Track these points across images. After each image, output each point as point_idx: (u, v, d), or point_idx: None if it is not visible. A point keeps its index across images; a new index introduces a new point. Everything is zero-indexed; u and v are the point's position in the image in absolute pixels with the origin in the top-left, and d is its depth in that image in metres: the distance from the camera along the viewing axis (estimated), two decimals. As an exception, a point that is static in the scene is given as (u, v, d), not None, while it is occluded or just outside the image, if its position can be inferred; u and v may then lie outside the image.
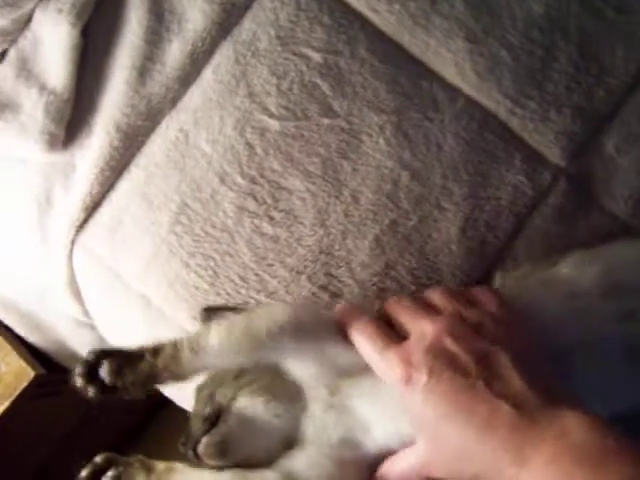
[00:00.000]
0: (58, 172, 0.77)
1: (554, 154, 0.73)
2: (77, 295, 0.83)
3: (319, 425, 0.62)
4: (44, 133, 0.74)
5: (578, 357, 0.61)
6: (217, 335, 0.60)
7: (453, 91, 0.72)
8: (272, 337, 0.60)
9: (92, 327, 0.89)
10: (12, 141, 0.76)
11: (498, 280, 0.68)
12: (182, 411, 0.84)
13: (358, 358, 0.60)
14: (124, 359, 0.61)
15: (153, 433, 1.20)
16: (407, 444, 0.59)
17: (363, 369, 0.60)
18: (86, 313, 0.86)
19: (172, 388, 0.84)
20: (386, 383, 0.58)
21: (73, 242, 0.77)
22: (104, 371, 0.60)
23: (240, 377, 0.65)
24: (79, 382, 0.60)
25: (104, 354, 0.61)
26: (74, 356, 1.05)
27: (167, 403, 0.91)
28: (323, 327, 0.62)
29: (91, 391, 0.60)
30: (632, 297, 0.63)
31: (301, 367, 0.62)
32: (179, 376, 0.61)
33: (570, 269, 0.65)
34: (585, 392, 0.60)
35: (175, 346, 0.60)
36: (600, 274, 0.64)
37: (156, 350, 0.61)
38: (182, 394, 0.84)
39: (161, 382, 0.62)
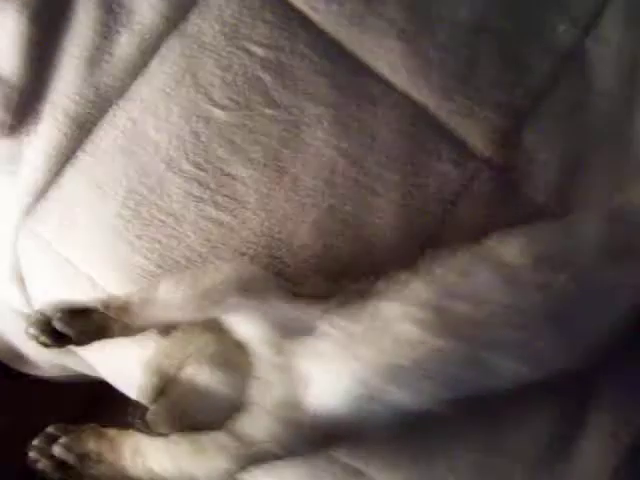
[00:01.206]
0: (5, 158, 0.82)
1: (479, 146, 0.83)
2: (20, 283, 0.89)
3: (264, 386, 0.70)
4: (-9, 119, 0.80)
5: (506, 322, 0.71)
6: (166, 288, 0.69)
7: (387, 86, 0.82)
8: (218, 291, 0.69)
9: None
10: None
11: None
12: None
13: (302, 316, 0.69)
14: (77, 311, 0.68)
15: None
16: (345, 401, 0.68)
17: (306, 329, 0.69)
18: (28, 301, 0.91)
19: (114, 372, 0.91)
20: (327, 342, 0.67)
21: (19, 227, 0.83)
22: (58, 321, 0.68)
23: (186, 348, 0.73)
24: (33, 330, 0.68)
25: (59, 306, 0.68)
26: (12, 351, 1.10)
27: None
28: (268, 286, 0.70)
29: (44, 340, 0.68)
30: (549, 268, 0.73)
31: (246, 325, 0.71)
32: (128, 328, 0.70)
33: (496, 243, 0.75)
34: (511, 355, 0.70)
35: (127, 299, 0.68)
36: (521, 247, 0.74)
37: (108, 302, 0.69)
38: (124, 380, 0.91)
39: (111, 335, 0.70)
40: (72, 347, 0.91)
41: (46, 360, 1.13)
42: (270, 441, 0.70)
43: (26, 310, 0.93)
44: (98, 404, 1.00)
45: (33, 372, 1.19)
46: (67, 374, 1.18)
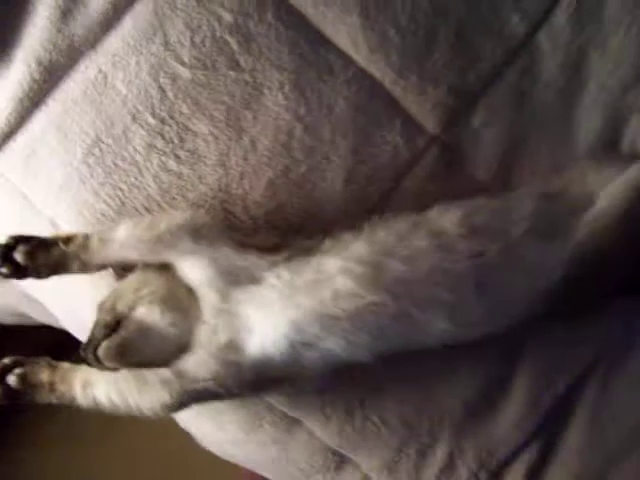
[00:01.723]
0: (-26, 98, 0.87)
1: (429, 123, 0.91)
2: (-15, 225, 0.94)
3: (209, 330, 0.77)
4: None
5: (438, 285, 0.78)
6: (124, 228, 0.75)
7: (346, 60, 0.89)
8: (171, 234, 0.76)
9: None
10: None
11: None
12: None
13: (250, 266, 0.76)
14: (38, 244, 0.75)
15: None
16: (283, 347, 0.75)
17: (252, 278, 0.76)
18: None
19: (68, 314, 0.97)
20: (271, 292, 0.74)
21: (-14, 167, 0.88)
22: (19, 253, 0.74)
23: (140, 289, 0.80)
24: None
25: (21, 238, 0.75)
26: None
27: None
28: (220, 235, 0.77)
29: (4, 270, 0.74)
30: (482, 239, 0.81)
31: (196, 270, 0.78)
32: (86, 265, 0.76)
33: (436, 213, 0.83)
34: (440, 314, 0.78)
35: (86, 236, 0.75)
36: (459, 218, 0.82)
37: (68, 238, 0.76)
38: (78, 322, 0.97)
39: (69, 271, 0.76)
40: (30, 290, 0.97)
41: (6, 308, 1.18)
42: (211, 380, 0.77)
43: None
44: (57, 350, 1.06)
45: (-6, 319, 1.23)
46: (23, 322, 1.24)
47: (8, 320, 1.26)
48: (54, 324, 1.13)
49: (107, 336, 0.78)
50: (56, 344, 1.27)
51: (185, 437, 1.04)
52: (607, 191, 0.87)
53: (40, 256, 0.78)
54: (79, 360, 0.82)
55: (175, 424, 1.02)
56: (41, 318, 1.16)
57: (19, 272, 0.78)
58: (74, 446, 1.71)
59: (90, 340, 0.79)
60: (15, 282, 0.99)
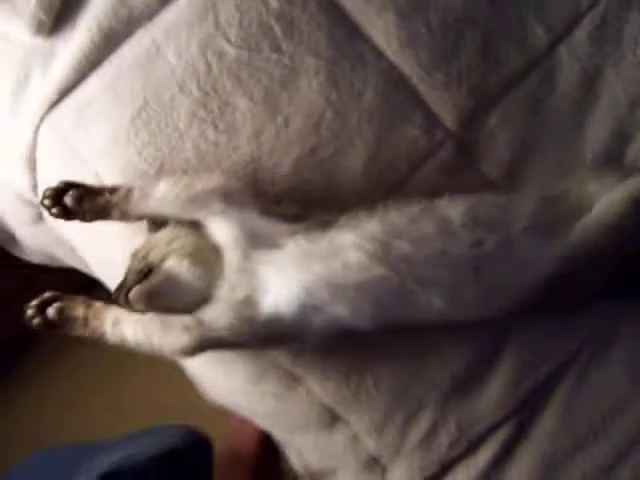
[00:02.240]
0: (40, 55, 0.98)
1: (448, 119, 1.00)
2: (32, 168, 1.05)
3: (230, 285, 0.88)
4: (34, 18, 0.95)
5: (439, 267, 0.88)
6: (164, 185, 0.87)
7: (378, 53, 0.98)
8: (205, 195, 0.87)
9: (32, 206, 1.11)
10: (4, 20, 0.96)
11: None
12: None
13: (272, 231, 0.86)
14: (86, 191, 0.86)
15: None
16: (294, 307, 0.85)
17: (273, 243, 0.87)
18: (34, 188, 1.07)
19: (101, 262, 1.08)
20: (289, 257, 0.85)
21: (43, 118, 0.99)
22: (69, 197, 0.86)
23: (171, 243, 0.90)
24: (47, 202, 0.87)
25: (71, 184, 0.86)
26: (7, 233, 1.26)
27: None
28: (248, 200, 0.88)
29: (55, 211, 0.86)
30: (484, 230, 0.91)
31: (224, 230, 0.88)
32: (126, 215, 0.88)
33: (445, 202, 0.93)
34: (437, 293, 0.88)
35: (129, 188, 0.86)
36: (465, 209, 0.92)
37: (114, 189, 0.88)
38: (105, 265, 1.08)
39: (111, 218, 0.87)
40: (66, 234, 1.08)
41: (37, 248, 1.29)
42: (226, 330, 0.88)
43: (29, 195, 1.09)
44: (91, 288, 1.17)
45: (23, 256, 1.35)
46: (53, 263, 1.35)
47: (37, 259, 1.37)
48: (81, 268, 1.24)
49: (138, 282, 0.88)
50: (81, 287, 1.39)
51: (182, 391, 1.14)
52: (604, 200, 0.96)
53: (87, 202, 0.89)
54: (107, 301, 0.93)
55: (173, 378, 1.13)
56: (68, 261, 1.27)
57: (67, 214, 0.90)
58: (74, 388, 1.83)
59: (123, 284, 0.90)
60: (50, 224, 1.11)
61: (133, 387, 1.69)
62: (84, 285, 1.23)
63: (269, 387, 1.03)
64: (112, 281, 1.06)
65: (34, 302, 0.90)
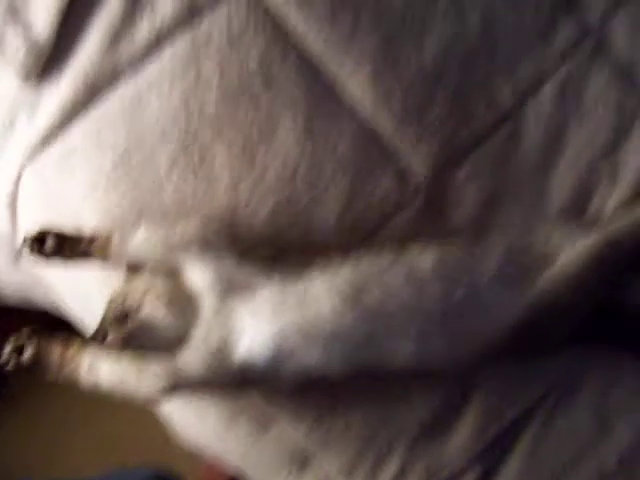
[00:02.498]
0: (26, 102, 1.02)
1: (420, 172, 1.05)
2: (13, 211, 1.08)
3: (205, 329, 0.91)
4: (23, 67, 0.99)
5: (407, 317, 0.93)
6: (143, 232, 0.91)
7: (354, 107, 1.04)
8: (182, 243, 0.91)
9: (11, 247, 1.13)
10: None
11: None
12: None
13: (247, 277, 0.90)
14: (67, 236, 0.90)
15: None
16: (268, 352, 0.89)
17: (248, 288, 0.90)
18: (14, 230, 1.10)
19: (79, 308, 1.10)
20: (263, 301, 0.88)
21: (26, 163, 1.02)
22: (49, 242, 0.89)
23: (148, 289, 0.94)
24: (27, 247, 0.89)
25: (52, 230, 0.92)
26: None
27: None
28: (224, 246, 0.92)
29: (35, 256, 0.89)
30: (453, 280, 0.95)
31: (201, 275, 0.92)
32: (106, 260, 0.91)
33: (415, 252, 0.97)
34: (405, 344, 0.92)
35: (109, 234, 0.90)
36: (435, 260, 0.96)
37: (94, 235, 0.90)
38: (81, 308, 1.10)
39: (90, 263, 0.90)
40: (43, 275, 1.11)
41: (13, 289, 1.31)
42: (201, 374, 0.91)
43: (8, 238, 1.12)
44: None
45: (-2, 299, 1.36)
46: (28, 305, 1.37)
47: (11, 300, 1.38)
48: (53, 311, 1.26)
49: (114, 328, 0.91)
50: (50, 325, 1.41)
51: (154, 431, 1.16)
52: (568, 253, 1.01)
53: (67, 247, 0.93)
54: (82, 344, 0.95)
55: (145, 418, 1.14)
56: (43, 302, 1.29)
57: (47, 259, 0.93)
58: (49, 428, 1.83)
59: (98, 329, 0.93)
60: (28, 266, 1.13)
61: (106, 428, 1.70)
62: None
63: (242, 429, 1.06)
64: (88, 324, 1.10)
65: (9, 346, 0.93)
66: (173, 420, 1.12)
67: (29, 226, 0.99)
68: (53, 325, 1.25)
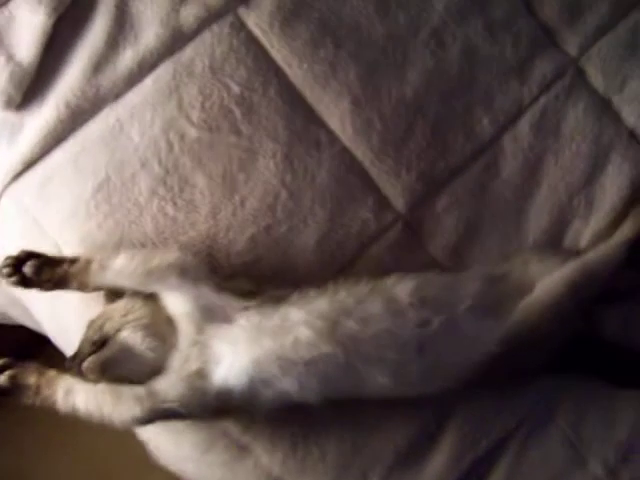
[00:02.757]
0: (7, 128, 1.03)
1: (398, 202, 1.07)
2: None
3: (182, 357, 0.92)
4: (3, 94, 1.00)
5: (385, 346, 0.94)
6: (122, 258, 0.91)
7: (333, 138, 1.06)
8: (161, 270, 0.91)
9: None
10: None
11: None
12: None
13: (225, 307, 0.91)
14: (46, 261, 0.90)
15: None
16: (244, 381, 0.90)
17: (226, 317, 0.91)
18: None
19: (53, 325, 1.11)
20: (241, 331, 0.90)
21: (5, 188, 1.03)
22: (28, 267, 0.90)
23: (127, 314, 0.94)
24: (6, 270, 0.90)
25: (31, 254, 0.91)
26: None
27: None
28: (203, 276, 0.93)
29: (14, 280, 0.90)
30: (430, 310, 0.97)
31: (179, 304, 0.93)
32: (84, 286, 0.92)
33: (393, 281, 0.99)
34: (383, 372, 0.93)
35: (88, 260, 0.91)
36: (411, 289, 0.98)
37: (73, 260, 0.92)
38: (59, 331, 1.11)
39: (68, 288, 0.91)
40: (22, 297, 1.11)
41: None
42: (178, 402, 0.92)
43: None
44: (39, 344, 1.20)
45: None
46: (4, 321, 1.37)
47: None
48: (32, 327, 1.26)
49: (92, 352, 0.92)
50: (25, 344, 1.41)
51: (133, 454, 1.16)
52: (544, 282, 1.03)
53: (46, 272, 0.93)
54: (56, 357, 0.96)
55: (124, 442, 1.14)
56: (22, 321, 1.29)
57: (25, 283, 0.94)
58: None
59: (77, 353, 0.94)
60: (6, 286, 1.14)
61: (85, 451, 1.69)
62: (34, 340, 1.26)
63: (217, 456, 1.07)
64: (67, 347, 1.10)
65: None
66: (150, 444, 1.13)
67: (8, 250, 1.01)
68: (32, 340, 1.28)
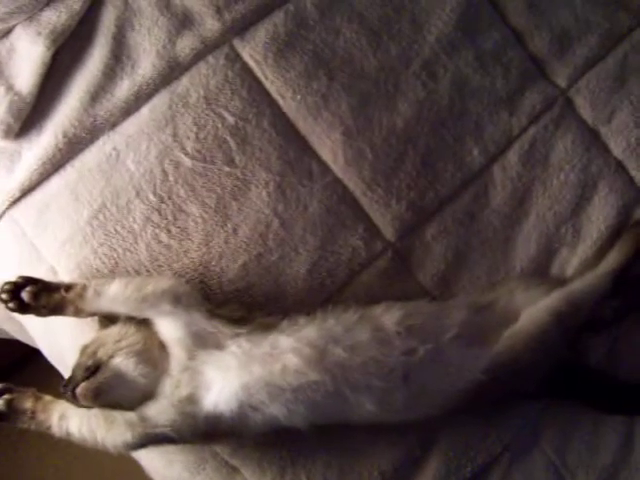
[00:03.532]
0: (5, 156, 1.07)
1: (388, 231, 1.11)
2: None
3: (174, 383, 0.96)
4: (2, 124, 1.03)
5: (372, 374, 0.98)
6: (116, 285, 0.95)
7: (325, 169, 1.09)
8: (155, 297, 0.95)
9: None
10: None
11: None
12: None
13: (217, 333, 0.96)
14: (43, 287, 0.94)
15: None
16: (233, 406, 0.93)
17: (217, 344, 0.95)
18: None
19: (48, 345, 1.14)
20: (231, 358, 0.94)
21: (2, 214, 1.07)
22: (26, 292, 0.94)
23: (120, 340, 0.98)
24: (4, 296, 0.94)
25: (29, 280, 0.95)
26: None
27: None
28: (195, 302, 0.97)
29: (12, 306, 0.94)
30: (416, 339, 1.01)
31: (171, 330, 0.97)
32: (80, 312, 0.96)
33: (381, 310, 1.03)
34: (369, 399, 0.97)
35: (84, 287, 0.95)
36: (399, 318, 1.02)
37: (69, 286, 0.96)
38: (53, 351, 1.15)
39: (64, 314, 0.95)
40: (19, 317, 1.15)
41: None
42: (169, 427, 0.95)
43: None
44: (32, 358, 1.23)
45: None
46: (1, 336, 1.41)
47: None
48: (28, 342, 1.30)
49: (86, 378, 0.96)
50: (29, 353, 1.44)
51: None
52: (529, 311, 1.07)
53: (43, 298, 0.97)
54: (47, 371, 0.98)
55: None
56: (17, 335, 1.33)
57: (22, 308, 0.97)
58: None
59: (70, 379, 0.97)
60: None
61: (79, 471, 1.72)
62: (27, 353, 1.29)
63: (207, 477, 1.10)
64: (61, 365, 1.14)
65: None
66: (142, 462, 1.16)
67: (4, 274, 1.04)
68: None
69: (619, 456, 1.19)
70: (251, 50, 1.09)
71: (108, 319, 1.03)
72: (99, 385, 0.96)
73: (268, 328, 1.00)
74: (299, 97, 1.09)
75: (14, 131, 1.04)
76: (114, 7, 1.07)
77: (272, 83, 1.09)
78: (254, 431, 0.98)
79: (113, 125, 1.06)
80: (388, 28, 1.13)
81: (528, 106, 1.18)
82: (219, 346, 0.98)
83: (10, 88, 1.04)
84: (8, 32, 1.06)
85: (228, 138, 1.07)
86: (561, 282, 1.13)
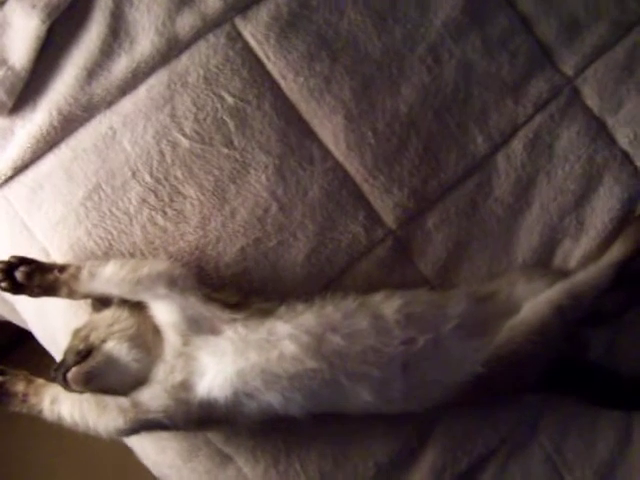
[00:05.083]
0: (-3, 133, 1.05)
1: (389, 218, 1.11)
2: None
3: (168, 368, 0.95)
4: (-4, 99, 1.02)
5: (370, 362, 0.98)
6: (111, 267, 0.95)
7: (326, 153, 1.09)
8: (150, 279, 0.95)
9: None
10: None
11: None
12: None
13: (213, 318, 0.95)
14: (37, 267, 0.93)
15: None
16: (228, 392, 0.93)
17: (213, 329, 0.95)
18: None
19: (40, 327, 1.14)
20: (227, 343, 0.94)
21: (-5, 192, 1.06)
22: (19, 272, 0.93)
23: (113, 324, 0.98)
24: None
25: (23, 260, 0.95)
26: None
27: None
28: (191, 286, 0.96)
29: (4, 285, 0.94)
30: (416, 328, 1.00)
31: (166, 314, 0.96)
32: (73, 293, 0.95)
33: (380, 298, 1.03)
34: (366, 388, 0.97)
35: (78, 268, 0.94)
36: (399, 306, 1.01)
37: (63, 267, 0.95)
38: (46, 333, 1.14)
39: (58, 295, 0.95)
40: (11, 298, 1.15)
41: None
42: (162, 413, 0.95)
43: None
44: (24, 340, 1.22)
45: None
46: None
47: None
48: (19, 324, 1.29)
49: (77, 363, 0.95)
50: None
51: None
52: (531, 303, 1.07)
53: (36, 278, 0.96)
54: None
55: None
56: (8, 317, 1.32)
57: (15, 288, 0.96)
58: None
59: (62, 363, 0.96)
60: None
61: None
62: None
63: (200, 464, 1.10)
64: (53, 348, 1.14)
65: None
66: (135, 449, 1.16)
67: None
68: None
69: (617, 451, 1.19)
70: (253, 29, 1.07)
71: (101, 302, 1.03)
72: (91, 369, 0.95)
73: (265, 314, 0.99)
74: (301, 79, 1.08)
75: (7, 107, 1.03)
76: (112, -19, 1.06)
77: (274, 64, 1.08)
78: (249, 419, 0.98)
79: (110, 103, 1.05)
80: (394, 11, 1.12)
81: (534, 94, 1.17)
82: (215, 331, 0.97)
83: (3, 62, 1.03)
84: (1, 4, 1.04)
85: (227, 119, 1.06)
86: (564, 274, 1.13)
